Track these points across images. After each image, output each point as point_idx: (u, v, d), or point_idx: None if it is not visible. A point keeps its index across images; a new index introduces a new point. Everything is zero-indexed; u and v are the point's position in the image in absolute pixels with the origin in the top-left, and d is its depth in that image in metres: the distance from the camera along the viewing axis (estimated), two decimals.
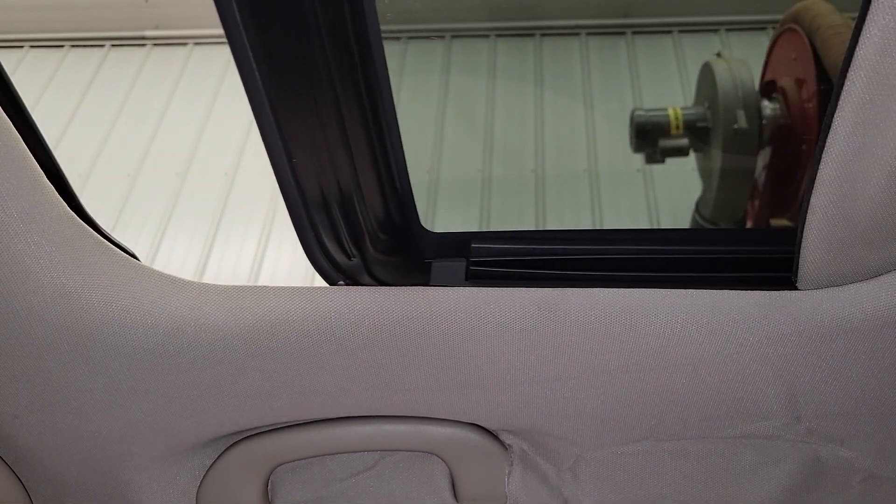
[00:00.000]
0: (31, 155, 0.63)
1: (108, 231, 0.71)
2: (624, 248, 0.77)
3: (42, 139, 0.66)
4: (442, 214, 2.68)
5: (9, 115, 0.61)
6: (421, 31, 3.18)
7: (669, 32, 3.16)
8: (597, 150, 2.80)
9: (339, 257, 0.71)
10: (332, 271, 0.72)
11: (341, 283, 0.73)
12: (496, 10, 3.17)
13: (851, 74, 0.58)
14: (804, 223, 0.66)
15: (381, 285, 0.72)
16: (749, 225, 2.00)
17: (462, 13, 3.19)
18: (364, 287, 0.72)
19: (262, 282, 2.74)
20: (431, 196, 2.73)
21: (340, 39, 0.59)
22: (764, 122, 1.78)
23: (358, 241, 0.70)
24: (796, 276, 0.70)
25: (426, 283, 0.74)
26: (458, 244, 0.77)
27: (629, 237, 0.78)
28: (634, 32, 3.17)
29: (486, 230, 0.78)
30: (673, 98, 2.92)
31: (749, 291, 0.71)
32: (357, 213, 0.68)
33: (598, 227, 2.60)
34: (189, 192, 2.78)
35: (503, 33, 3.21)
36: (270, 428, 0.80)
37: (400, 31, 3.12)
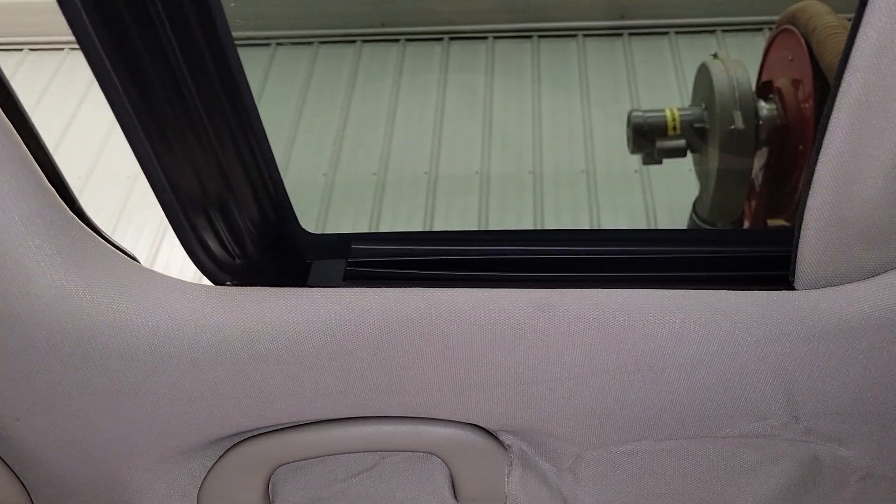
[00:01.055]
0: (31, 157, 0.63)
1: (109, 233, 0.71)
2: (525, 249, 0.79)
3: (42, 142, 0.66)
4: (441, 214, 2.68)
5: (9, 117, 0.62)
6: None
7: (666, 34, 3.16)
8: (594, 152, 2.80)
9: (224, 258, 0.72)
10: (218, 272, 0.73)
11: (228, 283, 0.74)
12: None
13: (848, 75, 0.58)
14: (801, 223, 0.67)
15: (268, 286, 0.73)
16: (746, 225, 2.00)
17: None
18: (363, 288, 0.72)
19: None
20: (430, 195, 2.73)
21: (190, 45, 0.61)
22: (760, 122, 1.78)
23: (240, 242, 0.71)
24: (794, 276, 0.71)
25: (305, 284, 0.75)
26: (340, 245, 0.78)
27: (520, 237, 0.80)
28: (631, 34, 3.17)
29: (368, 231, 0.80)
30: (670, 99, 2.92)
31: (747, 291, 0.71)
32: (235, 215, 0.70)
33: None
34: None
35: (501, 35, 3.21)
36: (271, 429, 0.80)
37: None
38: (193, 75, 0.62)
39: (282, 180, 0.75)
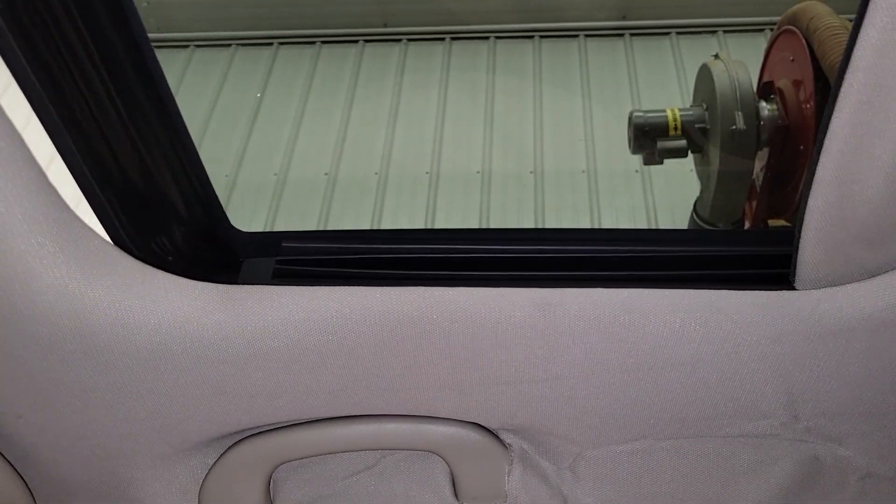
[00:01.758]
0: (33, 155, 0.63)
1: None
2: (453, 248, 0.79)
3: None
4: (442, 213, 2.68)
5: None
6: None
7: (667, 34, 3.16)
8: (595, 152, 2.81)
9: (155, 255, 0.72)
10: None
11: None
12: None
13: (849, 76, 0.59)
14: (802, 224, 0.67)
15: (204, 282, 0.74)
16: (747, 226, 2.00)
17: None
18: (364, 287, 0.73)
19: None
20: (432, 194, 2.73)
21: (106, 49, 0.63)
22: (762, 123, 1.78)
23: (170, 239, 0.72)
24: (794, 275, 0.71)
25: (235, 281, 0.76)
26: (271, 243, 0.79)
27: (445, 237, 0.81)
28: (633, 34, 3.18)
29: (297, 230, 0.80)
30: (671, 99, 2.92)
31: (747, 291, 0.71)
32: (162, 213, 0.71)
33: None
34: None
35: (502, 35, 3.21)
36: (272, 427, 0.80)
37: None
38: (111, 76, 0.64)
39: (209, 179, 0.76)
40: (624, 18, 3.18)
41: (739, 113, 1.78)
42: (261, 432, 0.80)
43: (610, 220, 2.63)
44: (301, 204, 2.77)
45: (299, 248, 0.79)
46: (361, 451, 0.83)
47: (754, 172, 1.90)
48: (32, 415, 0.74)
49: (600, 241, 0.79)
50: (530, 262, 0.77)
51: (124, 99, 0.66)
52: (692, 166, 2.12)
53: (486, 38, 3.21)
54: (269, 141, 2.95)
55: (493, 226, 2.65)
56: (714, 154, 1.88)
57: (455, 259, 0.78)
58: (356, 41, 3.25)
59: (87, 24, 0.61)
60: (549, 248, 0.78)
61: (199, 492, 0.82)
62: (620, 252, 0.77)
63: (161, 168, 0.71)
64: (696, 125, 1.91)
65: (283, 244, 0.79)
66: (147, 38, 0.66)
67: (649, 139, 1.93)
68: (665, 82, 3.00)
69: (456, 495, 0.85)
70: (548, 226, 2.64)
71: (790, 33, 1.74)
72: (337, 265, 0.77)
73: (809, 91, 1.67)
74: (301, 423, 0.80)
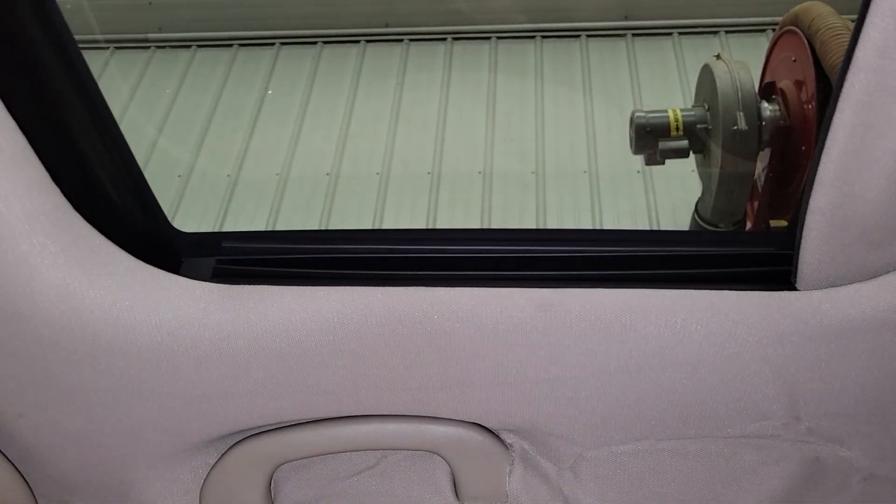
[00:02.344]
0: (35, 155, 0.63)
1: None
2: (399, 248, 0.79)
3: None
4: (444, 212, 2.68)
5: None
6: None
7: (669, 35, 3.16)
8: (597, 152, 2.80)
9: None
10: None
11: None
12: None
13: (850, 76, 0.59)
14: (803, 224, 0.67)
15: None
16: (748, 227, 2.00)
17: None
18: (366, 287, 0.73)
19: None
20: (433, 194, 2.73)
21: (26, 52, 0.63)
22: (763, 123, 1.78)
23: (109, 240, 0.72)
24: (795, 276, 0.71)
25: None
26: (212, 243, 0.79)
27: (383, 237, 0.81)
28: (635, 35, 3.17)
29: (238, 231, 0.80)
30: (673, 99, 2.92)
31: (748, 292, 0.71)
32: (102, 216, 0.71)
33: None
34: (190, 195, 2.79)
35: (504, 35, 3.21)
36: (273, 427, 0.80)
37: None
38: (46, 79, 0.65)
39: (145, 179, 0.76)
40: (626, 19, 3.18)
41: (741, 113, 1.78)
42: (262, 432, 0.80)
43: (611, 221, 2.63)
44: (303, 203, 2.77)
45: (240, 248, 0.79)
46: (362, 451, 0.83)
47: (756, 173, 1.90)
48: (34, 414, 0.74)
49: (602, 242, 0.79)
50: (531, 262, 0.77)
51: (50, 99, 0.66)
52: (694, 167, 2.11)
53: (488, 38, 3.21)
54: (271, 140, 2.95)
55: (494, 226, 2.66)
56: (716, 154, 1.88)
57: (454, 259, 0.78)
58: (358, 41, 3.26)
59: (9, 25, 0.61)
60: (550, 249, 0.78)
61: (201, 492, 0.82)
62: (622, 252, 0.77)
63: (96, 171, 0.71)
64: (698, 125, 1.90)
65: (224, 244, 0.79)
66: (75, 42, 0.65)
67: (651, 139, 1.93)
68: (667, 82, 3.00)
69: (457, 495, 0.85)
70: (549, 226, 2.64)
71: (792, 34, 1.74)
72: (278, 265, 0.77)
73: (811, 91, 1.67)
74: (302, 423, 0.80)
